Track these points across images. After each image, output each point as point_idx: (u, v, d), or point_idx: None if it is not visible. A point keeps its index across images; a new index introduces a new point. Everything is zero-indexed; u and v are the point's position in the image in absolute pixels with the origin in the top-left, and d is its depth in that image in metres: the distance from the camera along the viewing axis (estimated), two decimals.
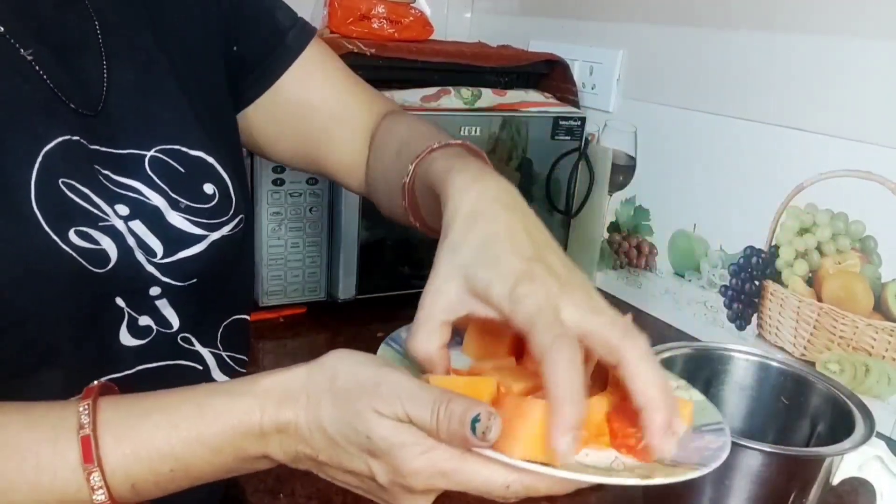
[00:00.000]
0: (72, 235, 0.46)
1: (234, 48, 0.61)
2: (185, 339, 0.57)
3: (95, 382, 0.42)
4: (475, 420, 0.36)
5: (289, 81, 0.64)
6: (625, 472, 0.39)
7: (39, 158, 0.46)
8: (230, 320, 0.62)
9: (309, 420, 0.39)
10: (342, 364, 0.40)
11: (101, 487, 0.39)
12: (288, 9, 0.66)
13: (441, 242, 0.44)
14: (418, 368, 0.44)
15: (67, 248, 0.46)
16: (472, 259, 0.42)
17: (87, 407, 0.40)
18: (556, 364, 0.36)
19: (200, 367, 0.59)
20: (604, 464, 0.39)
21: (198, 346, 0.58)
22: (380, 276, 1.02)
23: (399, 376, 0.39)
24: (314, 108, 0.66)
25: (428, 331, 0.42)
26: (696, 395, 0.49)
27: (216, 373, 0.60)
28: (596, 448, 0.41)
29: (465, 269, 0.41)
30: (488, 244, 0.42)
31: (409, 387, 0.38)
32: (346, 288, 1.00)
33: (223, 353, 0.60)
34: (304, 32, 0.66)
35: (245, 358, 0.64)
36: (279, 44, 0.64)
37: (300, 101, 0.65)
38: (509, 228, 0.43)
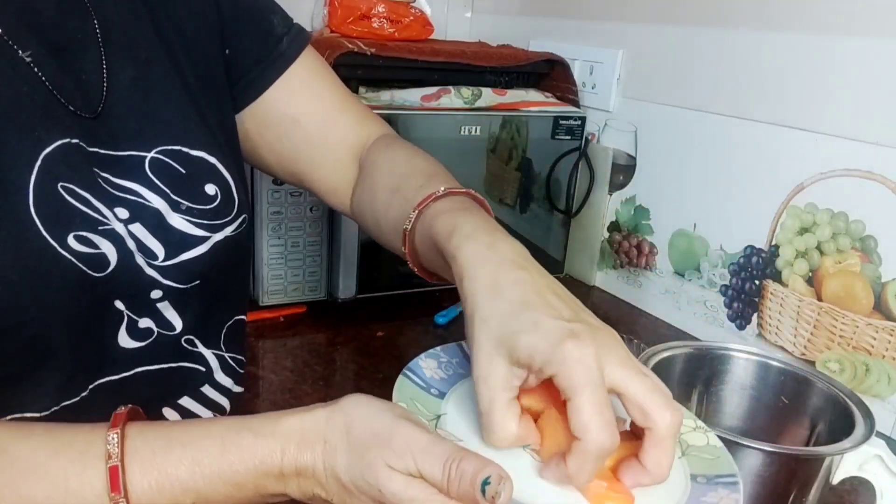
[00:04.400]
0: (70, 240, 0.46)
1: (227, 51, 0.60)
2: (188, 342, 0.56)
3: (122, 409, 0.42)
4: (485, 482, 0.36)
5: (277, 92, 0.63)
6: None
7: (38, 162, 0.45)
8: (233, 321, 0.62)
9: (325, 466, 0.40)
10: (358, 412, 0.40)
11: None
12: (284, 15, 0.65)
13: (469, 320, 0.43)
14: (434, 405, 0.45)
15: (66, 254, 0.46)
16: (509, 330, 0.41)
17: (116, 437, 0.40)
18: (588, 453, 0.38)
19: (203, 369, 0.58)
20: None
21: (201, 348, 0.58)
22: (380, 276, 1.02)
23: (413, 430, 0.39)
24: (299, 124, 0.64)
25: (500, 417, 0.41)
26: (714, 440, 0.49)
27: (219, 374, 0.60)
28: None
29: (506, 342, 0.41)
30: (523, 310, 0.41)
31: (422, 441, 0.38)
32: (347, 287, 1.00)
33: (225, 355, 0.60)
34: (298, 40, 0.64)
35: (243, 358, 0.63)
36: (273, 50, 0.62)
37: (286, 114, 0.64)
38: (537, 291, 0.43)
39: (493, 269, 0.44)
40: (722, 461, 0.47)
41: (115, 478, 0.39)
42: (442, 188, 0.54)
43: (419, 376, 0.49)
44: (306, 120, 0.65)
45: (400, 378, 0.48)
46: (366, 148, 0.67)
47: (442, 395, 0.49)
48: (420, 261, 0.56)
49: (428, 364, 0.51)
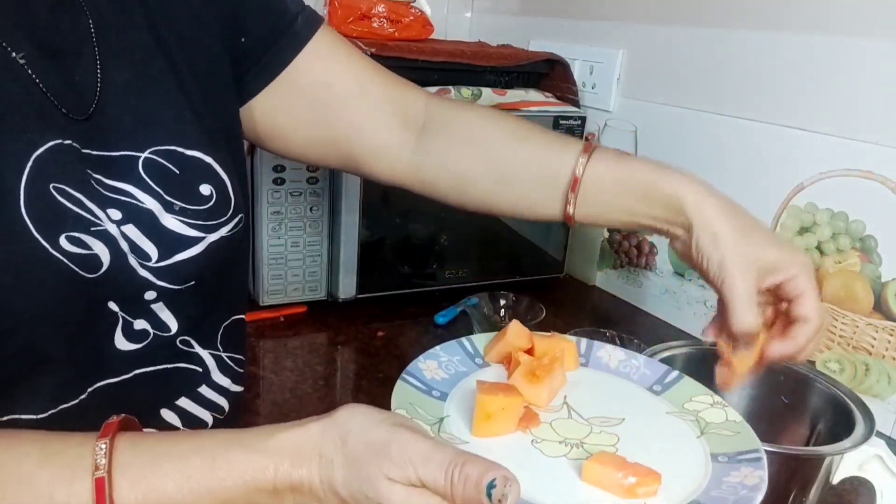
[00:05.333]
0: (63, 241, 0.46)
1: (242, 39, 0.59)
2: (184, 342, 0.56)
3: (114, 418, 0.42)
4: (491, 485, 0.35)
5: (302, 65, 0.62)
6: None
7: (30, 164, 0.45)
8: (230, 321, 0.61)
9: (322, 481, 0.39)
10: (353, 422, 0.40)
11: None
12: None
13: (712, 236, 0.55)
14: (436, 408, 0.45)
15: (58, 254, 0.45)
16: (752, 241, 0.54)
17: (104, 447, 0.40)
18: (820, 324, 0.54)
19: (200, 370, 0.58)
20: None
21: (197, 349, 0.57)
22: (380, 276, 1.02)
23: (411, 437, 0.38)
24: (333, 87, 0.63)
25: (753, 309, 0.53)
26: (733, 415, 0.48)
27: (216, 374, 0.60)
28: (621, 498, 0.40)
29: (755, 255, 0.54)
30: (755, 231, 0.56)
31: (421, 449, 0.37)
32: (347, 287, 1.00)
33: (223, 354, 0.60)
34: (312, 18, 0.63)
35: (242, 357, 0.63)
36: (288, 30, 0.61)
37: (318, 80, 0.62)
38: (750, 219, 0.57)
39: (717, 200, 0.56)
40: (743, 436, 0.46)
41: (101, 490, 0.38)
42: (581, 141, 0.62)
43: (419, 379, 0.49)
44: (341, 81, 0.64)
45: (398, 383, 0.47)
46: (410, 108, 0.66)
47: (444, 397, 0.48)
48: (592, 206, 0.61)
49: (428, 365, 0.51)
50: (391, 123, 0.65)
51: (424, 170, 0.65)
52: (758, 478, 0.41)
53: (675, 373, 0.54)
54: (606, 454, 0.43)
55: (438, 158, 0.65)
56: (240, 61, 0.60)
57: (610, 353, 0.56)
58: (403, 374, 0.48)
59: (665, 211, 0.58)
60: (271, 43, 0.61)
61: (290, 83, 0.62)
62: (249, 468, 0.40)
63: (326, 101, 0.64)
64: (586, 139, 1.11)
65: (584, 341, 0.57)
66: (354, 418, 0.40)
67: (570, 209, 0.60)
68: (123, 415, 0.43)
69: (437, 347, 0.53)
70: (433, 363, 0.51)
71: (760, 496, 0.40)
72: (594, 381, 0.53)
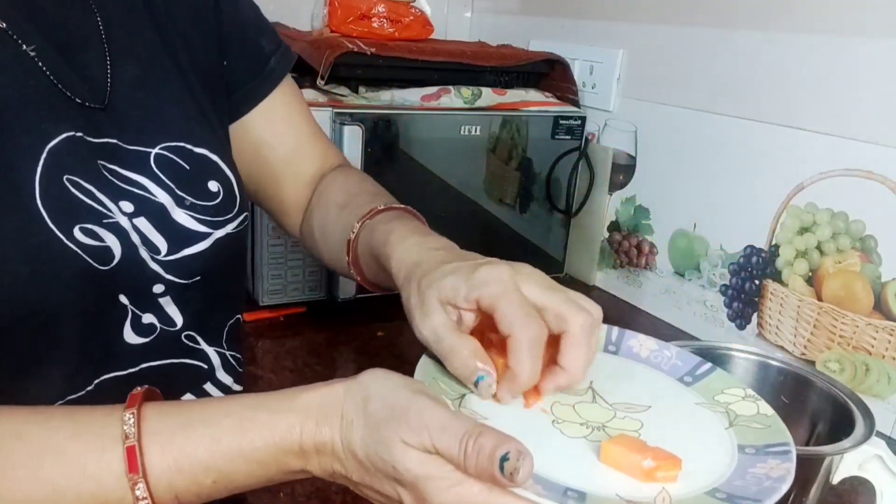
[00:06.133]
0: (76, 232, 0.46)
1: (225, 62, 0.62)
2: (189, 338, 0.56)
3: (139, 389, 0.42)
4: (504, 458, 0.35)
5: (259, 115, 0.65)
6: None
7: (44, 155, 0.45)
8: (234, 319, 0.62)
9: (343, 442, 0.39)
10: (376, 386, 0.40)
11: (145, 498, 0.39)
12: (273, 33, 0.67)
13: (402, 289, 0.48)
14: (458, 384, 0.45)
15: (72, 245, 0.46)
16: (432, 279, 0.46)
17: (132, 416, 0.40)
18: (521, 343, 0.42)
19: (206, 366, 0.59)
20: (647, 499, 0.38)
21: (203, 345, 0.58)
22: None
23: (430, 404, 0.38)
24: (274, 148, 0.67)
25: (453, 341, 0.45)
26: (765, 408, 0.48)
27: (220, 372, 0.60)
28: (640, 481, 0.39)
29: (433, 290, 0.45)
30: (442, 263, 0.47)
31: (438, 417, 0.37)
32: (346, 287, 1.00)
33: (227, 353, 0.60)
34: (284, 60, 0.67)
35: (242, 357, 0.64)
36: (262, 69, 0.64)
37: (263, 137, 0.66)
38: (455, 250, 0.50)
39: (416, 245, 0.51)
40: (773, 430, 0.45)
41: (133, 458, 0.39)
42: (383, 204, 0.59)
43: None
44: (281, 145, 0.68)
45: (422, 358, 0.47)
46: (325, 175, 0.70)
47: None
48: (362, 270, 0.60)
49: None
50: (304, 191, 0.70)
51: (301, 231, 0.70)
52: (784, 470, 0.40)
53: (708, 365, 0.53)
54: (626, 437, 0.42)
55: (305, 223, 0.69)
56: (225, 83, 0.62)
57: (641, 343, 0.56)
58: (427, 351, 0.48)
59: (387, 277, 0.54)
60: (244, 82, 0.64)
61: (244, 130, 0.65)
62: (277, 429, 0.40)
63: (264, 157, 0.67)
64: (585, 139, 1.11)
65: (615, 329, 0.56)
66: (377, 381, 0.40)
67: (351, 270, 0.60)
68: (147, 386, 0.43)
69: None
70: None
71: (785, 487, 0.39)
72: (623, 369, 0.53)
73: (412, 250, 0.50)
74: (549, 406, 0.45)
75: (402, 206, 0.60)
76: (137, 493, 0.39)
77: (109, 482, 0.39)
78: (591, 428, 0.44)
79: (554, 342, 0.45)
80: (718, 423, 0.47)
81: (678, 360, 0.54)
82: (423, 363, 0.46)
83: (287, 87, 0.67)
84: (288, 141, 0.68)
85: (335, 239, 0.62)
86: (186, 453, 0.40)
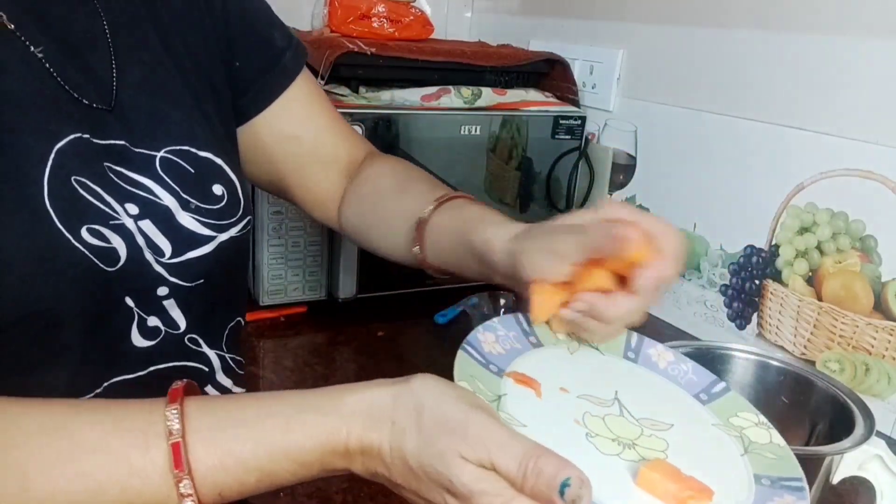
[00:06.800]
0: (84, 233, 0.46)
1: (237, 63, 0.61)
2: (191, 340, 0.57)
3: (179, 383, 0.42)
4: (565, 483, 0.35)
5: (279, 109, 0.65)
6: None
7: (52, 156, 0.46)
8: (234, 322, 0.62)
9: (392, 448, 0.39)
10: (429, 395, 0.40)
11: (190, 495, 0.39)
12: (284, 28, 0.66)
13: (513, 255, 0.51)
14: (494, 384, 0.45)
15: (79, 246, 0.46)
16: (544, 240, 0.50)
17: (176, 412, 0.40)
18: (669, 227, 0.48)
19: (207, 369, 0.59)
20: None
21: (205, 348, 0.58)
22: (380, 276, 1.02)
23: (489, 422, 0.38)
24: (299, 140, 0.67)
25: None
26: (777, 438, 0.48)
27: (220, 375, 0.60)
28: None
29: (547, 246, 0.49)
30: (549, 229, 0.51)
31: (499, 435, 0.37)
32: (347, 287, 1.00)
33: (227, 355, 0.61)
34: (299, 55, 0.66)
35: (242, 360, 0.64)
36: (276, 64, 0.64)
37: (285, 131, 0.66)
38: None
39: (516, 224, 0.54)
40: (785, 462, 0.46)
41: (178, 454, 0.39)
42: (449, 192, 0.62)
43: (478, 351, 0.48)
44: (305, 137, 0.68)
45: (460, 353, 0.46)
46: (353, 164, 0.71)
47: (500, 373, 0.47)
48: (426, 253, 0.61)
49: (486, 338, 0.50)
50: (336, 180, 0.70)
51: (342, 219, 0.71)
52: None
53: (722, 384, 0.54)
54: (662, 463, 0.43)
55: (349, 210, 0.70)
56: (235, 85, 0.62)
57: (659, 353, 0.56)
58: (464, 344, 0.47)
59: (479, 264, 0.56)
60: (259, 76, 0.64)
61: (264, 126, 0.65)
62: (323, 430, 0.40)
63: (289, 151, 0.68)
64: (585, 139, 1.11)
65: (635, 335, 0.57)
66: (429, 390, 0.40)
67: (418, 250, 0.61)
68: (186, 380, 0.43)
69: (495, 320, 0.52)
70: (491, 336, 0.50)
71: None
72: (644, 381, 0.53)
73: (515, 224, 0.54)
74: (581, 416, 0.45)
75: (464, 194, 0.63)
76: (182, 489, 0.39)
77: (154, 478, 0.39)
78: (623, 445, 0.44)
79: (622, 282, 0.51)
80: (735, 449, 0.47)
81: (694, 374, 0.55)
82: (461, 357, 0.46)
83: (305, 79, 0.67)
84: (313, 133, 0.68)
85: (396, 224, 0.63)
86: (231, 452, 0.40)
